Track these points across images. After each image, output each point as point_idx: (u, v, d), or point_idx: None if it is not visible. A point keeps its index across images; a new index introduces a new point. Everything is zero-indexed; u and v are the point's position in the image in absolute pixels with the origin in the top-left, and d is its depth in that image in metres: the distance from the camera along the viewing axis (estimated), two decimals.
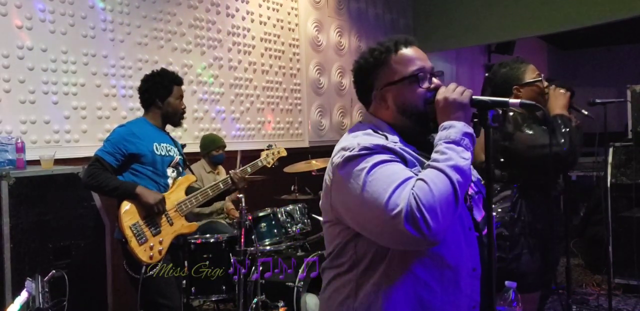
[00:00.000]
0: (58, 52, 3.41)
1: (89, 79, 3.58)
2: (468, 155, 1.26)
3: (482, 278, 1.39)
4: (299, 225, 3.71)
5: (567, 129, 2.16)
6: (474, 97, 1.33)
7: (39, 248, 2.76)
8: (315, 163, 4.15)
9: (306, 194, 4.23)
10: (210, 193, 2.86)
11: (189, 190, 2.83)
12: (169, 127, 2.92)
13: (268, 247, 3.52)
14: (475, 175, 1.46)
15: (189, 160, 3.05)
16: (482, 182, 1.50)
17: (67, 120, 3.46)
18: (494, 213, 2.07)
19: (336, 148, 1.37)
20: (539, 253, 2.21)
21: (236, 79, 4.69)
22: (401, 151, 1.31)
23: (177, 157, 2.85)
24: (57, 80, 3.40)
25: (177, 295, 2.75)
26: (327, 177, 1.38)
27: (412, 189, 1.19)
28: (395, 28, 6.74)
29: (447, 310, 1.32)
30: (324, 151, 4.58)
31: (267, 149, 3.21)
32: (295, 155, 4.21)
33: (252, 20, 4.86)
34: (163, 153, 2.76)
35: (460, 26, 6.36)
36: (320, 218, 1.48)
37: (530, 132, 2.16)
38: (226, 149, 4.14)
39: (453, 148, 1.25)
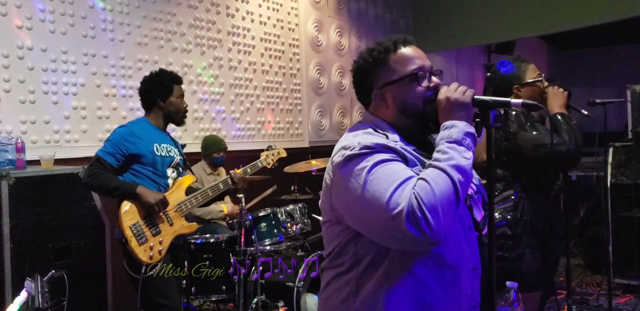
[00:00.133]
0: (58, 52, 3.40)
1: (89, 79, 3.58)
2: (470, 154, 1.26)
3: (482, 278, 1.39)
4: (299, 225, 3.71)
5: (570, 127, 2.16)
6: (475, 96, 1.33)
7: (39, 248, 2.75)
8: (315, 163, 4.15)
9: (306, 194, 4.23)
10: (210, 194, 2.86)
11: (189, 191, 2.83)
12: (169, 127, 2.92)
13: (268, 247, 3.52)
14: (474, 175, 1.46)
15: (188, 160, 3.05)
16: (482, 182, 1.51)
17: (67, 120, 3.46)
18: (495, 213, 2.07)
19: (336, 147, 1.37)
20: (540, 252, 2.22)
21: (236, 79, 4.69)
22: (402, 150, 1.31)
23: (178, 158, 2.86)
24: (57, 80, 3.40)
25: (177, 295, 2.75)
26: (327, 176, 1.37)
27: (413, 188, 1.19)
28: (395, 28, 6.74)
29: (447, 309, 1.32)
30: (324, 151, 4.58)
31: (267, 150, 3.21)
32: (295, 155, 4.21)
33: (252, 20, 4.86)
34: (163, 154, 2.76)
35: (460, 26, 6.35)
36: (320, 218, 1.47)
37: (536, 132, 2.17)
38: (226, 149, 4.14)
39: (455, 148, 1.25)
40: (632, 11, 5.19)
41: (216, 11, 4.50)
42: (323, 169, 1.89)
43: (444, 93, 1.34)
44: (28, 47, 3.25)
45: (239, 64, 4.71)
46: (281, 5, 5.17)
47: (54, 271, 2.47)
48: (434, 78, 1.41)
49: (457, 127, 1.29)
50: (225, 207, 3.88)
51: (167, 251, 2.66)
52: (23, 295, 2.17)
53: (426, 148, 1.38)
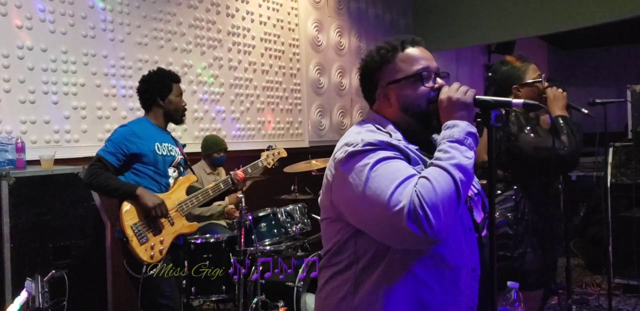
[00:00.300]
0: (58, 52, 3.40)
1: (89, 79, 3.57)
2: (471, 154, 1.26)
3: (482, 279, 1.39)
4: (299, 225, 3.71)
5: (571, 130, 2.17)
6: (477, 96, 1.33)
7: (39, 248, 2.75)
8: (315, 163, 4.15)
9: (306, 194, 4.23)
10: (211, 193, 2.86)
11: (190, 190, 2.83)
12: (169, 127, 2.92)
13: (268, 247, 3.52)
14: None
15: (188, 160, 3.05)
16: (482, 182, 1.51)
17: (67, 120, 3.46)
18: (496, 214, 2.07)
19: (339, 144, 1.36)
20: (541, 252, 2.22)
21: (236, 79, 4.69)
22: (405, 149, 1.31)
23: (179, 157, 2.86)
24: (57, 80, 3.39)
25: (177, 295, 2.75)
26: (328, 172, 1.37)
27: (415, 187, 1.19)
28: (395, 28, 6.74)
29: (446, 309, 1.32)
30: (324, 151, 4.57)
31: (267, 150, 3.21)
32: (295, 155, 4.21)
33: (252, 20, 4.85)
34: (164, 153, 2.76)
35: (460, 26, 6.36)
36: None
37: (536, 135, 2.17)
38: (227, 149, 4.14)
39: (456, 147, 1.25)
40: (632, 11, 5.19)
41: (216, 11, 4.50)
42: (323, 169, 1.89)
43: (445, 93, 1.34)
44: (28, 47, 3.25)
45: (239, 64, 4.71)
46: (281, 5, 5.17)
47: (54, 271, 2.46)
48: (438, 80, 1.41)
49: (458, 127, 1.29)
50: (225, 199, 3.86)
51: (167, 251, 2.66)
52: (23, 295, 2.16)
53: (428, 148, 1.38)
